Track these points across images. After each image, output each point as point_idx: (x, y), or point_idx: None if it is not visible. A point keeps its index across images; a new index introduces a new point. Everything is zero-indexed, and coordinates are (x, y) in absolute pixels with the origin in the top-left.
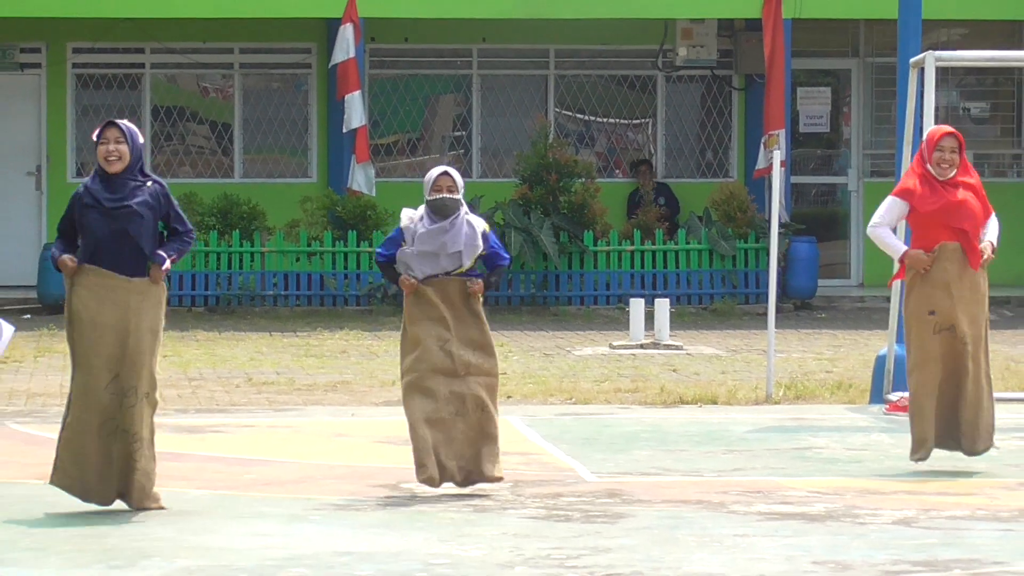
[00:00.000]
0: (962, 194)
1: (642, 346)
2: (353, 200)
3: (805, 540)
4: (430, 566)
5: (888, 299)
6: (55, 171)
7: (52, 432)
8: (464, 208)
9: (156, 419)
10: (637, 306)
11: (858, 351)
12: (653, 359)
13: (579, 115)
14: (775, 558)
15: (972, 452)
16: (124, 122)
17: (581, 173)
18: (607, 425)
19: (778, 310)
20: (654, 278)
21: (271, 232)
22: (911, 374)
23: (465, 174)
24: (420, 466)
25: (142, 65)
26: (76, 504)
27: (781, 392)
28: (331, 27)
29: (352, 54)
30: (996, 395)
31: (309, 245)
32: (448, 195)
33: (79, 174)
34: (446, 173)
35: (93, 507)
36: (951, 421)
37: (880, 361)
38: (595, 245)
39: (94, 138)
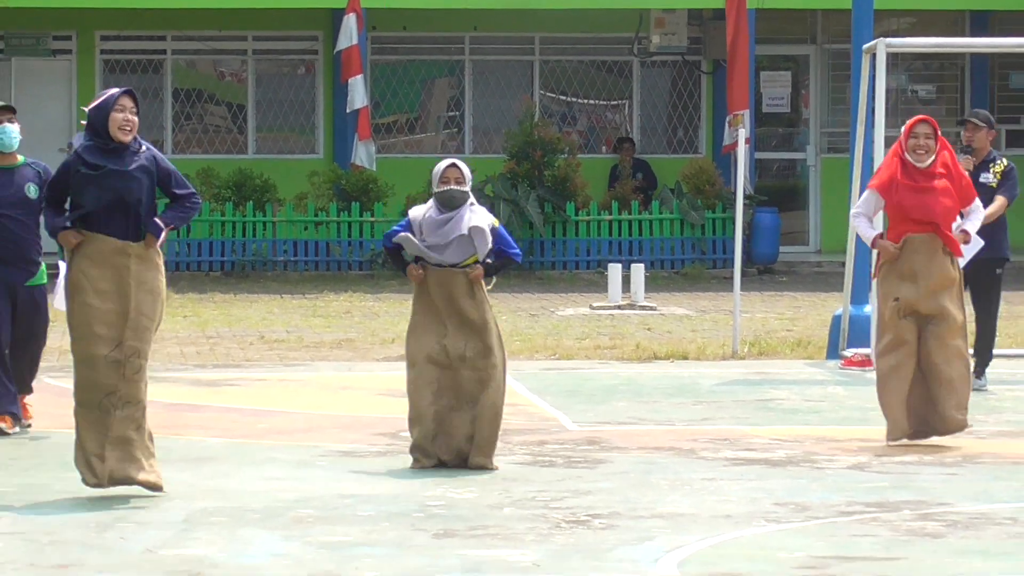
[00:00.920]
0: (937, 184)
1: (619, 307)
2: (356, 174)
3: (768, 483)
4: (426, 507)
5: (843, 264)
6: None
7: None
8: (472, 200)
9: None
10: (615, 271)
11: (816, 311)
12: (629, 319)
13: (562, 97)
14: (740, 500)
15: (947, 430)
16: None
17: (564, 150)
18: (587, 379)
19: (743, 274)
20: (630, 245)
21: (281, 203)
22: (880, 358)
23: (458, 151)
24: (413, 452)
25: (164, 51)
26: None
27: (746, 349)
28: (336, 16)
29: (355, 41)
30: None
31: (316, 215)
32: (456, 187)
33: None
34: (454, 165)
35: None
36: (926, 403)
37: (836, 320)
38: (576, 215)
39: (98, 102)
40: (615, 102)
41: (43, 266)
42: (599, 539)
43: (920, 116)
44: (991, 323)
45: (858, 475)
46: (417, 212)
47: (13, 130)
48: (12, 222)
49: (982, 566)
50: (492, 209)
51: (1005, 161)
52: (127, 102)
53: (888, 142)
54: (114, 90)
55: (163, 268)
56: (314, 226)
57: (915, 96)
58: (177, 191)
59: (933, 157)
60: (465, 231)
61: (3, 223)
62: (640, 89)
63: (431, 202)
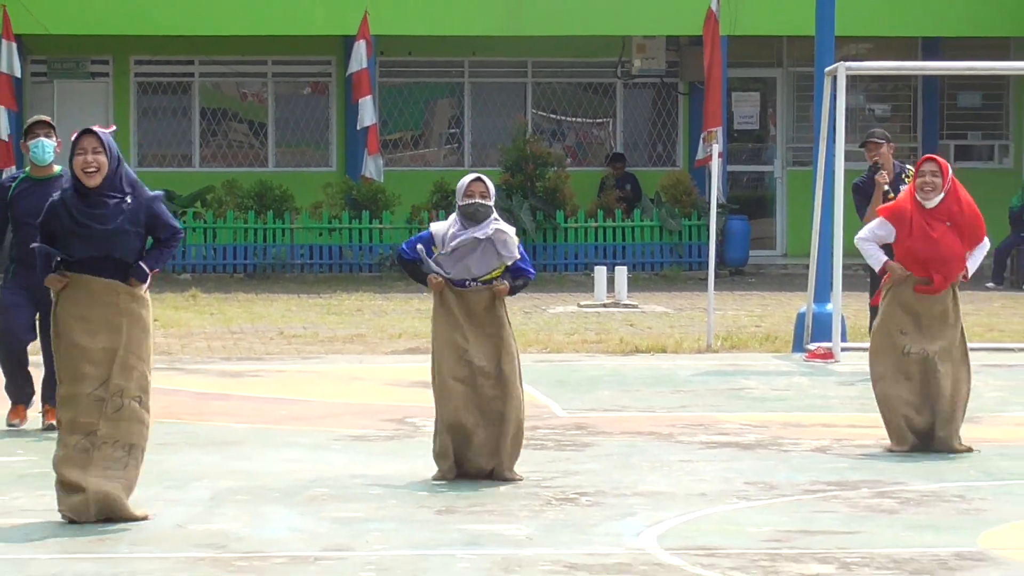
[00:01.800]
0: (943, 232)
1: (604, 305)
2: (366, 185)
3: (739, 464)
4: (431, 486)
5: (807, 266)
6: None
7: None
8: (495, 215)
9: (203, 366)
10: (600, 273)
11: (782, 309)
12: (613, 316)
13: (552, 115)
14: (714, 479)
15: (948, 448)
16: (101, 129)
17: (554, 163)
18: (575, 370)
19: (716, 275)
20: (614, 249)
21: (298, 212)
22: (879, 382)
23: (458, 164)
24: (437, 461)
25: (192, 74)
26: None
27: (719, 343)
28: (347, 43)
29: (365, 65)
30: None
31: (330, 223)
32: (480, 201)
33: (139, 164)
34: (479, 179)
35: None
36: (927, 420)
37: (800, 317)
38: (565, 222)
39: (71, 143)
40: (600, 120)
41: None
42: (586, 515)
43: (927, 156)
44: None
45: (820, 457)
46: (439, 227)
47: (49, 144)
48: None
49: (933, 539)
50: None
51: (912, 169)
52: (87, 143)
53: (848, 156)
54: (76, 133)
55: (150, 304)
56: (328, 232)
57: (872, 114)
58: (164, 234)
59: (942, 196)
60: (490, 231)
61: (33, 231)
62: (623, 108)
63: (453, 217)
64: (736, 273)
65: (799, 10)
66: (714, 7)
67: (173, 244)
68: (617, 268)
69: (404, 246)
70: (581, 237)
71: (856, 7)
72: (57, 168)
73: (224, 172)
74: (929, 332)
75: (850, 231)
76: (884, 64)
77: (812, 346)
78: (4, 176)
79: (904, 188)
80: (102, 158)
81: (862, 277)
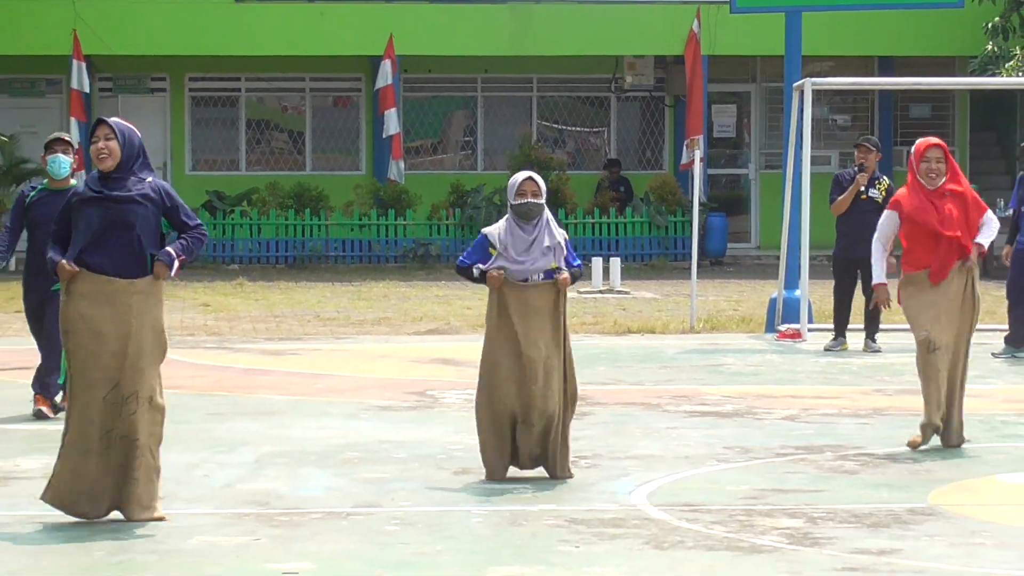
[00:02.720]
0: (948, 205)
1: (600, 292)
2: (392, 187)
3: (718, 431)
4: (448, 450)
5: (778, 257)
6: (177, 166)
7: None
8: (547, 212)
9: (249, 345)
10: (596, 263)
11: (756, 295)
12: (608, 301)
13: (554, 125)
14: (697, 444)
15: (951, 444)
16: (116, 120)
17: (556, 167)
18: (575, 349)
19: (698, 265)
20: (609, 243)
21: (332, 210)
22: (926, 377)
23: (472, 167)
24: (484, 462)
25: (239, 89)
26: (187, 411)
27: (701, 324)
28: (375, 62)
29: (390, 81)
30: None
31: (360, 219)
32: (533, 200)
33: (193, 169)
34: (531, 178)
35: (207, 410)
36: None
37: (772, 302)
38: (566, 219)
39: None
40: (597, 129)
41: None
42: (585, 475)
43: (932, 141)
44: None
45: (790, 424)
46: (493, 229)
47: (65, 160)
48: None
49: (888, 496)
50: (499, 214)
51: (887, 180)
52: (100, 131)
53: (814, 160)
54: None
55: (163, 300)
56: (358, 228)
57: (834, 124)
58: (186, 220)
59: (944, 179)
60: (552, 244)
61: (44, 238)
62: (616, 119)
63: (505, 219)
64: (716, 263)
65: (770, 33)
66: (696, 30)
67: (197, 237)
68: (611, 259)
69: (461, 258)
70: (580, 232)
71: (820, 30)
72: (73, 181)
73: (267, 175)
74: (951, 322)
75: (815, 226)
76: (845, 80)
77: (782, 327)
78: (26, 187)
79: (874, 191)
80: (113, 144)
81: (826, 267)
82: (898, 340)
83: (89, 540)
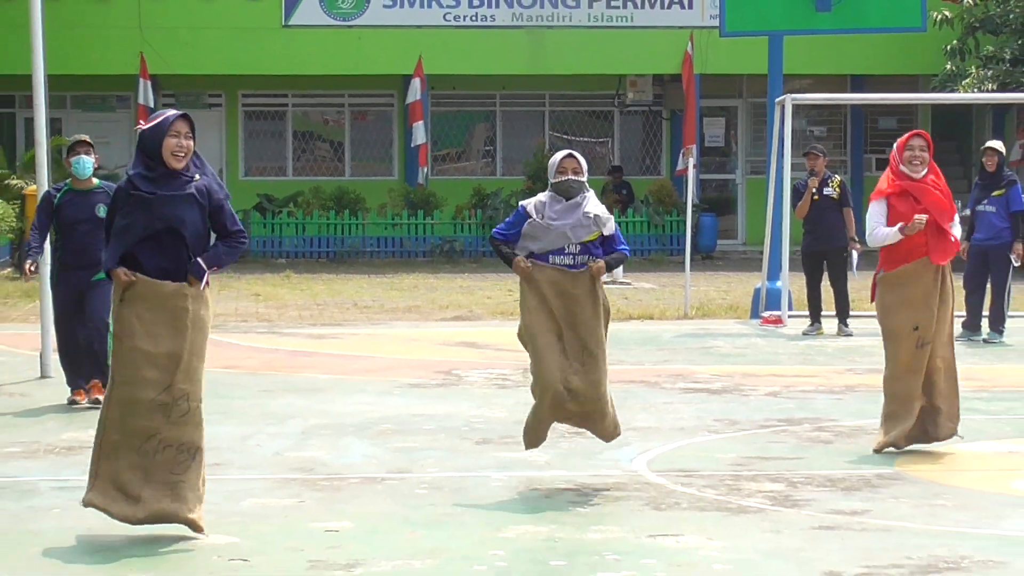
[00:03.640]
0: (932, 193)
1: (605, 283)
2: (420, 190)
3: (709, 406)
4: (470, 422)
5: (761, 252)
6: (231, 173)
7: (228, 337)
8: (588, 189)
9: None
10: None
11: (742, 285)
12: (612, 291)
13: (565, 136)
14: (690, 417)
15: (940, 437)
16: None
17: None
18: None
19: (692, 259)
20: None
21: (369, 210)
22: (892, 381)
23: (492, 174)
24: (526, 436)
25: (286, 104)
26: (241, 388)
27: (694, 311)
28: (405, 80)
29: (419, 97)
30: None
31: (393, 219)
32: (573, 177)
33: (245, 175)
34: (571, 155)
35: (258, 387)
36: (927, 415)
37: (756, 292)
38: None
39: (143, 124)
40: (602, 139)
41: None
42: (592, 445)
43: (915, 131)
44: (845, 290)
45: (772, 400)
46: (530, 201)
47: (88, 161)
48: (83, 235)
49: (859, 463)
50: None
51: (838, 178)
52: (182, 127)
53: (793, 167)
54: (170, 112)
55: (211, 304)
56: (391, 227)
57: (812, 134)
58: (229, 226)
59: (926, 170)
60: (591, 212)
61: (76, 236)
62: (619, 130)
63: (546, 193)
64: (707, 258)
65: (755, 54)
66: (690, 52)
67: (235, 244)
68: None
69: (498, 228)
70: None
71: (800, 51)
72: (96, 181)
73: (311, 180)
74: (936, 311)
75: (795, 225)
76: (821, 96)
77: (766, 314)
78: (51, 188)
79: (828, 190)
80: (191, 144)
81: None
82: (868, 325)
83: None
